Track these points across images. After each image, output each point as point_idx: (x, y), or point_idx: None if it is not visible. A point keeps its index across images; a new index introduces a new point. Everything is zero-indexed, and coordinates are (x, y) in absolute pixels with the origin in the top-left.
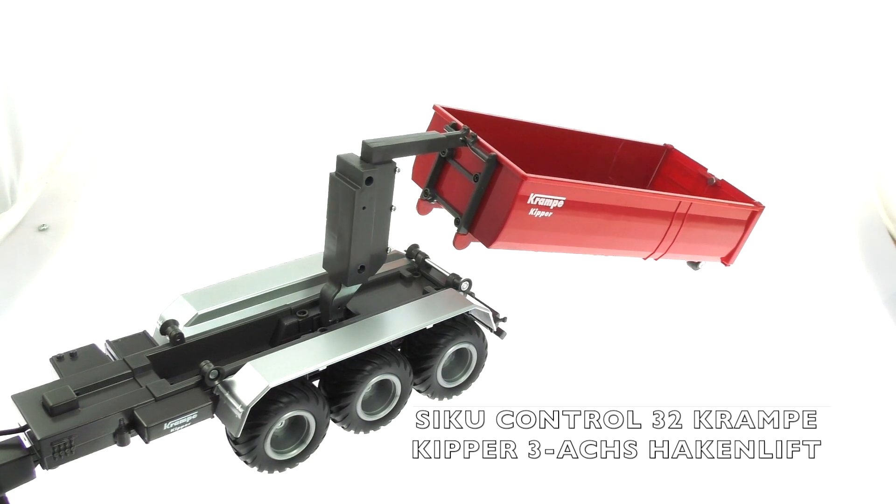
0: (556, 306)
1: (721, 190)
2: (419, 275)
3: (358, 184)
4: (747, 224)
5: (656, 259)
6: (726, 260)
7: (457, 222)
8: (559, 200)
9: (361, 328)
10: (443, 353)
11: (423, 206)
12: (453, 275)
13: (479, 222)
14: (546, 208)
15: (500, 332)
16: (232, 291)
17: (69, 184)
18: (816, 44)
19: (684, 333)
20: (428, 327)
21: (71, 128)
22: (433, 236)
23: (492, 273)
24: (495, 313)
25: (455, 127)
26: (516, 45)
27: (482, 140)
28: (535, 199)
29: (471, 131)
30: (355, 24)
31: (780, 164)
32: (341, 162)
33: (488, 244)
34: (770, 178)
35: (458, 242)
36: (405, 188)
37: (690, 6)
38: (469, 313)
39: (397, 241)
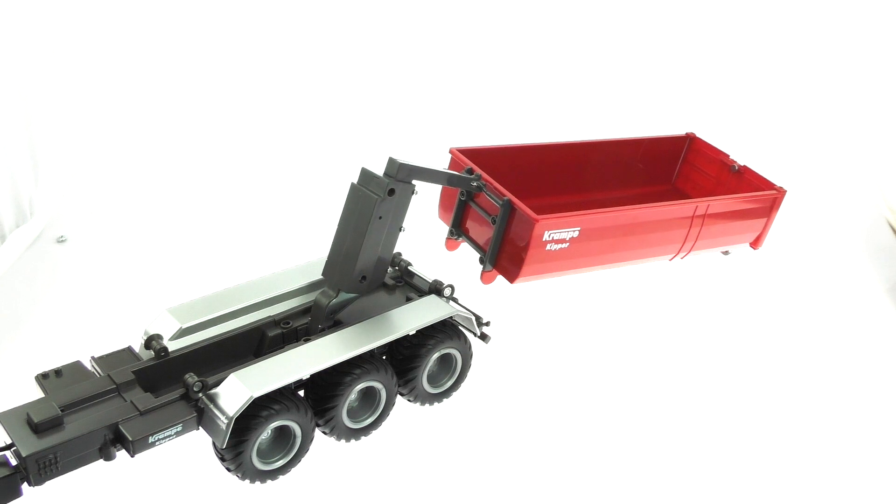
0: (543, 310)
1: (744, 176)
2: (402, 282)
3: (379, 194)
4: (770, 210)
5: (682, 258)
6: (754, 244)
7: (481, 260)
8: (574, 231)
9: (344, 336)
10: (427, 358)
11: (451, 244)
12: (436, 281)
13: (501, 260)
14: (562, 241)
15: (484, 337)
16: (216, 304)
17: (84, 196)
18: (821, 42)
19: (682, 324)
20: (411, 334)
21: (85, 141)
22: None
23: (478, 277)
24: (478, 318)
25: (470, 172)
26: (525, 58)
27: (496, 184)
28: (550, 236)
29: (482, 178)
30: (358, 35)
31: (781, 157)
32: (365, 173)
33: (511, 280)
34: (773, 172)
35: (485, 278)
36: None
37: (696, 6)
38: (452, 318)
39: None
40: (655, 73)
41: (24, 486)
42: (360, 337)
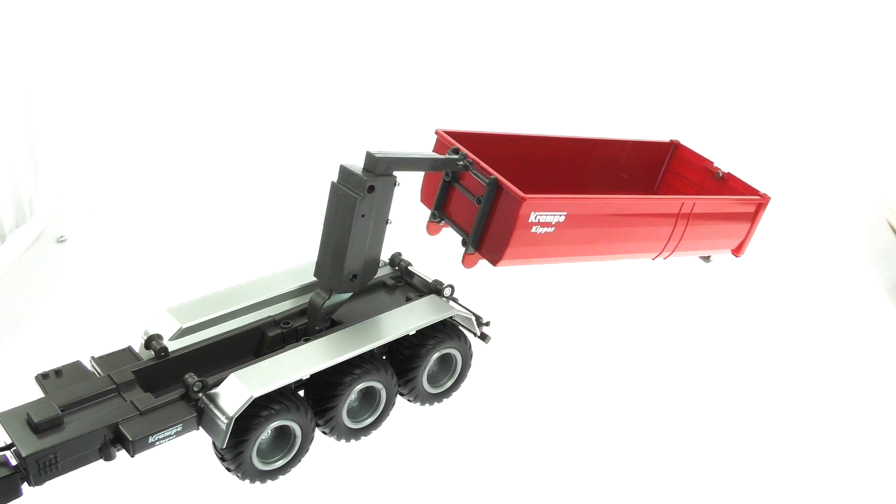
0: (542, 308)
1: (728, 183)
2: (403, 282)
3: (360, 192)
4: (754, 216)
5: (665, 258)
6: (736, 251)
7: (464, 242)
8: (560, 216)
9: (344, 336)
10: (427, 358)
11: (433, 227)
12: (436, 281)
13: (485, 242)
14: (548, 224)
15: (483, 337)
16: (216, 304)
17: (84, 196)
18: (821, 42)
19: (682, 325)
20: (411, 334)
21: (85, 141)
22: (420, 243)
23: (477, 277)
24: (478, 318)
25: (456, 152)
26: (517, 50)
27: (482, 163)
28: (536, 218)
29: (468, 157)
30: (355, 34)
31: (783, 159)
32: (344, 170)
33: (494, 263)
34: (774, 172)
35: (467, 262)
36: (404, 207)
37: (695, 6)
38: (452, 318)
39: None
40: (648, 73)
41: (24, 486)
42: (361, 337)
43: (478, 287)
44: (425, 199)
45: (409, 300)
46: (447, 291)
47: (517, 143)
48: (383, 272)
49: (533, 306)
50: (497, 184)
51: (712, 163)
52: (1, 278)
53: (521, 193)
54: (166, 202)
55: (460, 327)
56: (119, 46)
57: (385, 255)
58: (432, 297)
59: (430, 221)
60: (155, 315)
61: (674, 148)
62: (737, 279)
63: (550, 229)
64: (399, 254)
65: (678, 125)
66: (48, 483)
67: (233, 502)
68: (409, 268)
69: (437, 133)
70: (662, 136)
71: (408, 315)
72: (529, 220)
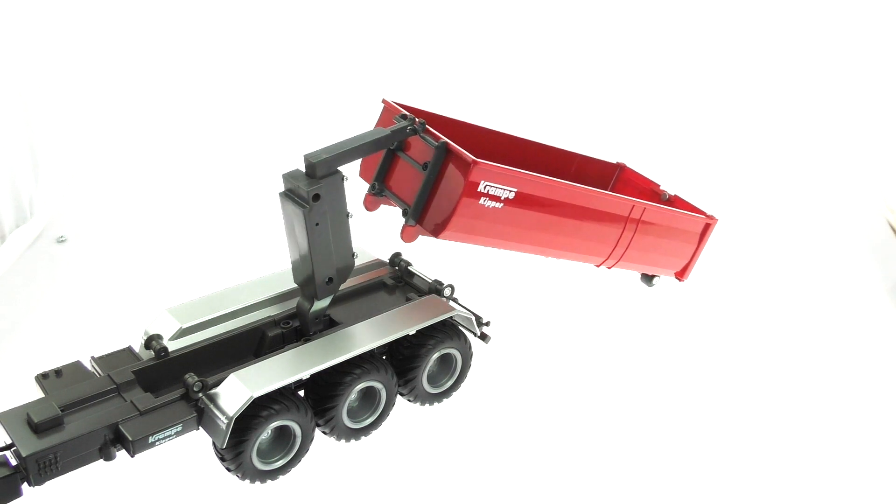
0: (542, 310)
1: (675, 205)
2: (402, 282)
3: (306, 202)
4: (701, 237)
5: (609, 267)
6: (680, 275)
7: (405, 213)
8: (510, 191)
9: (344, 337)
10: (427, 358)
11: (371, 202)
12: (436, 281)
13: (428, 213)
14: (497, 198)
15: (483, 337)
16: (216, 304)
17: (84, 196)
18: (822, 41)
19: (684, 325)
20: (411, 334)
21: (85, 141)
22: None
23: (478, 278)
24: (478, 318)
25: (404, 117)
26: (472, 56)
27: (431, 129)
28: (485, 187)
29: (418, 120)
30: (318, 29)
31: (784, 160)
32: (287, 180)
33: (437, 234)
34: (774, 175)
35: (406, 234)
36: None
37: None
38: (452, 318)
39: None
40: (642, 74)
41: (24, 486)
42: (360, 337)
43: (477, 287)
44: (365, 173)
45: (409, 300)
46: (447, 291)
47: (462, 130)
48: (382, 272)
49: (532, 307)
50: (447, 148)
51: (658, 185)
52: (1, 278)
53: (471, 157)
54: (166, 202)
55: (460, 327)
56: (119, 47)
57: (384, 255)
58: (432, 297)
59: (368, 194)
60: (155, 315)
61: (619, 171)
62: (737, 279)
63: (498, 205)
64: (399, 254)
65: (675, 125)
66: (48, 483)
67: (233, 502)
68: (408, 268)
69: (384, 102)
70: (650, 139)
71: (408, 315)
72: (478, 190)
